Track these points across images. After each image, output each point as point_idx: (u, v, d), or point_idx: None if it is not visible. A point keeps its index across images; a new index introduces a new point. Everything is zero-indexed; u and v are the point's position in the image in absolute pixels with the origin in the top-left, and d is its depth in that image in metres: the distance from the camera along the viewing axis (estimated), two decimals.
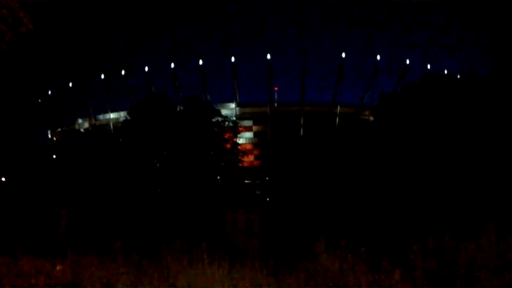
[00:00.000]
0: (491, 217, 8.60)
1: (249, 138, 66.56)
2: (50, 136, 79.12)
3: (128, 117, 44.75)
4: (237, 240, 29.33)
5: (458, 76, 36.40)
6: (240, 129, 49.07)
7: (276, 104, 68.36)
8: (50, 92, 78.53)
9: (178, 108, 42.72)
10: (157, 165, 40.47)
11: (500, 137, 27.96)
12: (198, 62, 67.18)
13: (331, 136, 41.56)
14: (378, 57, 66.78)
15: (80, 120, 74.57)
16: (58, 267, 10.99)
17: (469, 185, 27.00)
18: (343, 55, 66.08)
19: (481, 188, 26.26)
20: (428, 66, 67.32)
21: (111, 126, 65.24)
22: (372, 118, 43.54)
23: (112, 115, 69.67)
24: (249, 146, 62.55)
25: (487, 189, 25.72)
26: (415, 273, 8.10)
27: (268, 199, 41.87)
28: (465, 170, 27.91)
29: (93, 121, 71.07)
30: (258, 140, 66.14)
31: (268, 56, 65.83)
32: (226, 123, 43.76)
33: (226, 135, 42.94)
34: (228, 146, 42.81)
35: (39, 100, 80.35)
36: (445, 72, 55.39)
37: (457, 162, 28.41)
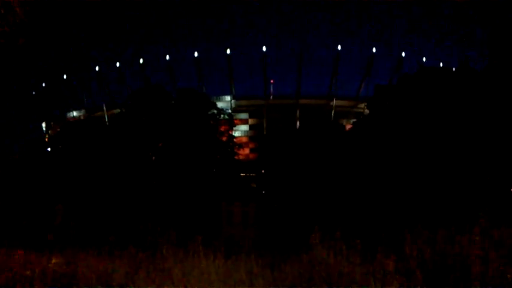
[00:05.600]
0: (483, 208, 8.68)
1: (245, 131, 66.55)
2: (44, 129, 78.72)
3: (123, 109, 44.60)
4: (232, 232, 29.45)
5: (454, 69, 36.49)
6: (235, 122, 49.05)
7: (271, 97, 68.29)
8: (44, 85, 78.03)
9: (173, 101, 42.61)
10: (153, 157, 40.42)
11: (494, 130, 28.13)
12: (194, 54, 66.96)
13: (327, 129, 41.58)
14: (374, 49, 66.83)
15: (74, 113, 74.18)
16: (54, 260, 11.01)
17: (463, 177, 27.19)
18: (339, 47, 66.06)
19: (474, 180, 26.46)
20: (424, 59, 67.54)
21: (106, 118, 64.97)
22: (367, 111, 43.60)
23: (107, 107, 69.37)
24: (244, 139, 62.56)
25: (480, 182, 25.92)
26: (409, 264, 8.19)
27: (263, 192, 41.95)
28: (459, 162, 28.08)
29: (88, 113, 70.74)
30: (254, 133, 66.13)
31: (264, 49, 65.71)
32: (222, 116, 43.73)
33: (222, 128, 42.93)
34: (224, 138, 42.81)
35: (34, 92, 79.85)
36: (441, 65, 55.60)
37: (451, 155, 28.57)
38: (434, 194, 26.37)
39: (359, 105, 64.38)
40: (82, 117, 68.81)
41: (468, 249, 8.00)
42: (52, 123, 76.41)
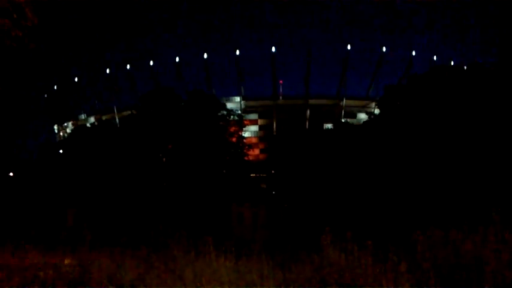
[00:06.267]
0: (496, 208, 8.56)
1: (255, 132, 66.53)
2: (56, 131, 79.56)
3: (133, 112, 44.88)
4: (243, 233, 29.42)
5: (465, 68, 36.09)
6: (245, 122, 49.02)
7: (281, 97, 68.20)
8: (55, 87, 78.93)
9: (183, 103, 42.73)
10: (163, 159, 40.59)
11: (507, 129, 27.76)
12: (203, 56, 67.17)
13: (336, 129, 41.42)
14: (384, 49, 66.43)
15: (85, 115, 74.86)
16: (66, 261, 11.11)
17: (475, 176, 26.87)
18: (349, 47, 65.76)
19: (487, 179, 26.13)
20: (435, 58, 66.98)
21: (117, 120, 65.45)
22: (377, 110, 43.35)
23: (117, 109, 69.87)
24: (254, 140, 62.55)
25: (493, 181, 25.60)
26: (422, 264, 8.11)
27: (274, 193, 41.88)
28: (471, 161, 27.77)
29: (98, 116, 71.36)
30: (264, 134, 66.09)
31: (273, 49, 65.68)
32: (232, 116, 43.73)
33: (232, 129, 42.93)
34: (234, 139, 42.80)
35: (45, 95, 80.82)
36: (452, 63, 55.10)
37: (462, 153, 28.28)
38: (446, 194, 26.11)
39: (369, 105, 64.04)
40: (93, 119, 69.43)
41: (482, 249, 7.90)
42: (63, 125, 77.24)
